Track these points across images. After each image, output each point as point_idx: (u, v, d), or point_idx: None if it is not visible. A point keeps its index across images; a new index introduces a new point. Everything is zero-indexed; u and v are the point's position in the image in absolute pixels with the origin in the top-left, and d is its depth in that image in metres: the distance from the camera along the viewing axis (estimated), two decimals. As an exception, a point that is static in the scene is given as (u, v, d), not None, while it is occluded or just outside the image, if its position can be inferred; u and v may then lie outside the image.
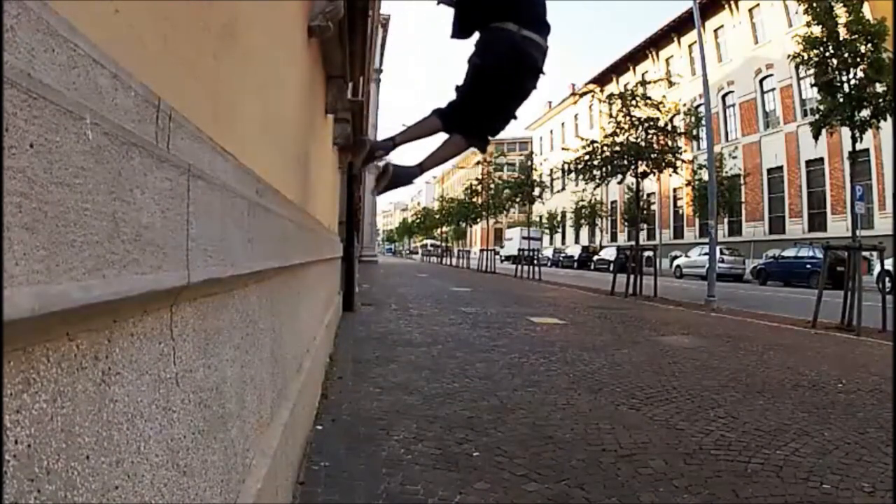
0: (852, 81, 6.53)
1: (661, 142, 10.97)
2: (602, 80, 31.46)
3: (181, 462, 0.80)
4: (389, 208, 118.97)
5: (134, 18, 0.71)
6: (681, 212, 28.15)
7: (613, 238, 32.91)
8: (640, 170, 10.98)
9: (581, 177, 12.94)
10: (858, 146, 6.78)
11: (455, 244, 44.24)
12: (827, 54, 6.66)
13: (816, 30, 6.73)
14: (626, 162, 11.06)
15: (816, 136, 7.13)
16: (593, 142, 11.94)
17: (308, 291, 2.65)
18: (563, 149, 25.44)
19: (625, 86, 13.52)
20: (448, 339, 5.05)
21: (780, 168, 23.02)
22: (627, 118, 10.87)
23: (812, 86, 8.29)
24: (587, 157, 11.98)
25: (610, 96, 11.58)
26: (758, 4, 23.72)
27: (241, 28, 1.24)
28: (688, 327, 6.32)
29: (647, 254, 14.24)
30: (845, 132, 6.95)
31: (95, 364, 0.56)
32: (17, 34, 0.42)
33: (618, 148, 11.10)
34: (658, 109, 10.91)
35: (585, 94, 21.34)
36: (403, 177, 2.46)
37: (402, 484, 1.94)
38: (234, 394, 1.11)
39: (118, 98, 0.60)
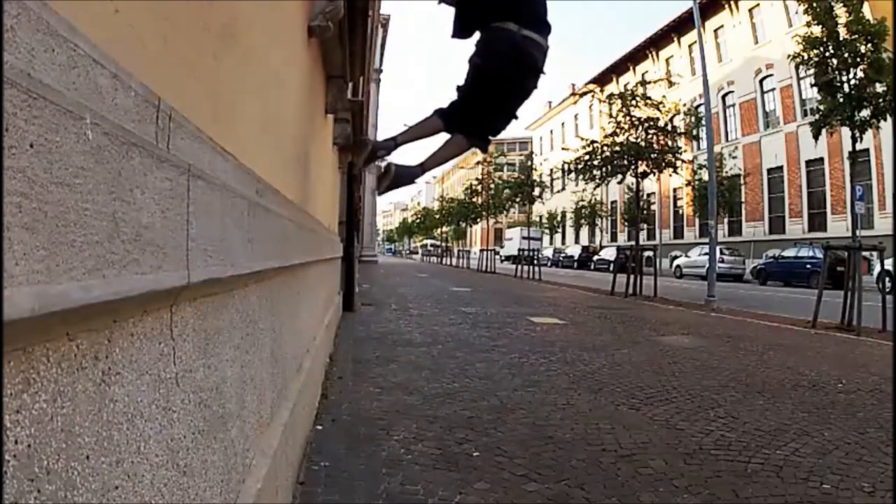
0: (852, 81, 6.53)
1: (661, 142, 10.98)
2: (602, 80, 31.46)
3: (181, 462, 0.80)
4: (389, 208, 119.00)
5: (134, 18, 0.71)
6: (681, 212, 28.15)
7: (613, 238, 32.91)
8: (640, 170, 10.99)
9: (581, 177, 12.94)
10: (858, 146, 6.78)
11: (455, 244, 44.25)
12: (827, 54, 6.66)
13: (816, 30, 6.73)
14: (626, 162, 11.06)
15: (816, 136, 7.13)
16: (593, 142, 11.94)
17: (308, 291, 2.65)
18: (563, 149, 25.44)
19: (625, 86, 13.53)
20: (448, 339, 5.05)
21: (780, 168, 23.02)
22: (627, 118, 10.88)
23: (812, 86, 8.31)
24: (587, 157, 11.98)
25: (610, 96, 11.58)
26: (758, 4, 23.72)
27: (241, 28, 1.24)
28: (688, 327, 6.32)
29: (647, 254, 14.25)
30: (845, 132, 6.95)
31: (95, 364, 0.56)
32: (17, 34, 0.42)
33: (618, 148, 11.11)
34: (658, 109, 10.91)
35: (585, 94, 21.33)
36: (406, 176, 2.46)
37: (402, 484, 1.94)
38: (234, 394, 1.11)
39: (118, 98, 0.60)
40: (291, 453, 1.77)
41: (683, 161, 11.93)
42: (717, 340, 5.37)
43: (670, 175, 12.47)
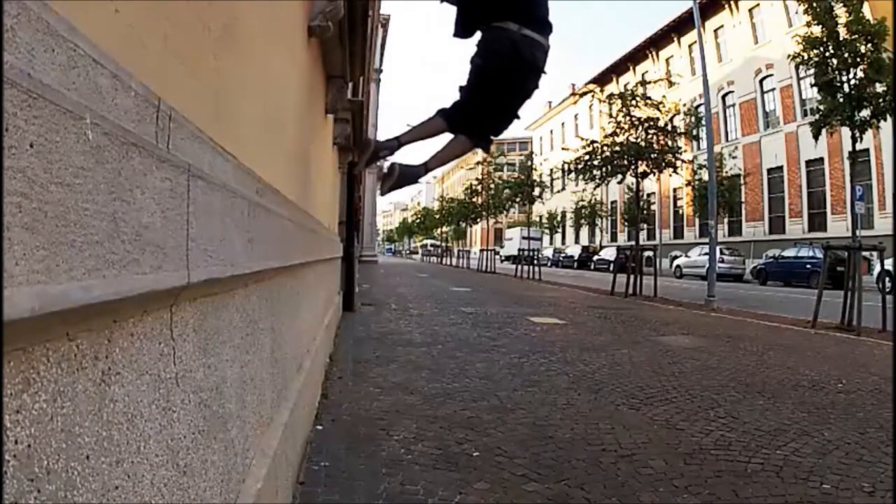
0: (852, 81, 6.53)
1: (661, 142, 10.97)
2: (602, 80, 31.46)
3: (181, 462, 0.80)
4: (389, 208, 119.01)
5: (134, 18, 0.71)
6: (681, 212, 28.15)
7: (613, 238, 32.91)
8: (640, 170, 10.98)
9: (581, 177, 12.93)
10: (858, 146, 6.78)
11: (455, 244, 44.25)
12: (827, 54, 6.66)
13: (816, 30, 6.73)
14: (626, 162, 11.06)
15: (816, 136, 7.13)
16: (593, 142, 11.94)
17: (308, 291, 2.65)
18: (563, 149, 25.43)
19: (625, 86, 13.53)
20: (448, 338, 5.05)
21: (780, 168, 23.01)
22: (627, 118, 10.87)
23: (812, 86, 8.30)
24: (587, 157, 11.98)
25: (610, 96, 11.58)
26: (758, 4, 23.72)
27: (241, 28, 1.24)
28: (688, 327, 6.32)
29: (647, 254, 14.25)
30: (845, 132, 6.95)
31: (95, 364, 0.56)
32: (17, 34, 0.42)
33: (618, 148, 11.10)
34: (658, 109, 10.91)
35: (585, 94, 21.29)
36: (409, 176, 2.47)
37: (402, 484, 1.94)
38: (234, 394, 1.11)
39: (118, 98, 0.60)
40: (291, 453, 1.77)
41: (683, 161, 11.92)
42: (717, 340, 5.37)
43: (670, 175, 12.47)
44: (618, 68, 32.19)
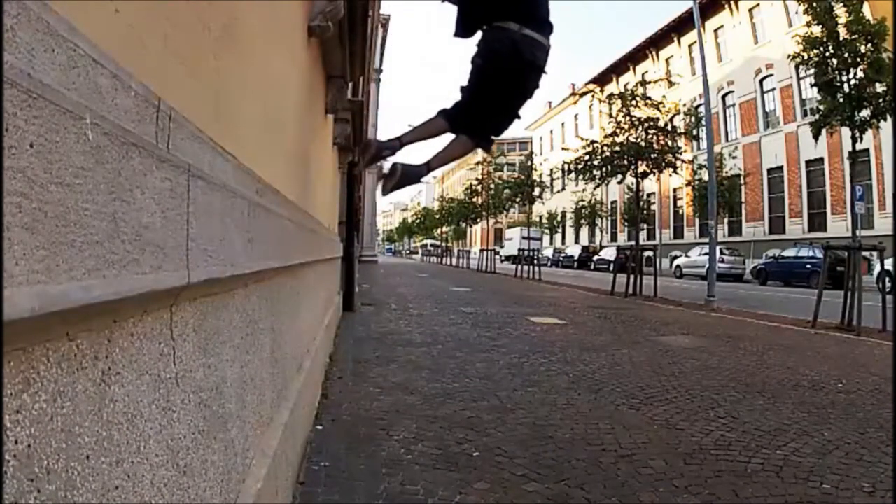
0: (852, 81, 6.53)
1: (661, 142, 10.97)
2: (602, 80, 31.46)
3: (181, 462, 0.80)
4: (389, 208, 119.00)
5: (134, 18, 0.71)
6: (681, 212, 28.15)
7: (613, 238, 32.91)
8: (640, 170, 10.98)
9: (581, 177, 12.93)
10: (858, 146, 6.78)
11: (455, 244, 44.25)
12: (827, 54, 6.66)
13: (816, 30, 6.73)
14: (626, 162, 11.06)
15: (816, 136, 7.13)
16: (593, 142, 11.94)
17: (308, 291, 2.65)
18: (563, 149, 25.43)
19: (625, 86, 13.53)
20: (448, 339, 5.05)
21: (780, 168, 23.01)
22: (627, 118, 10.87)
23: (812, 86, 8.30)
24: (587, 157, 11.98)
25: (610, 96, 11.58)
26: (758, 4, 23.71)
27: (241, 28, 1.24)
28: (688, 327, 6.32)
29: (647, 254, 14.25)
30: (845, 132, 6.95)
31: (95, 364, 0.56)
32: (17, 34, 0.42)
33: (618, 148, 11.11)
34: (658, 109, 10.91)
35: (585, 94, 21.31)
36: (412, 175, 2.47)
37: (402, 484, 1.94)
38: (234, 394, 1.11)
39: (118, 98, 0.60)
40: (291, 453, 1.77)
41: (683, 161, 11.92)
42: (717, 340, 5.37)
43: (670, 175, 12.46)
44: (618, 68, 32.18)
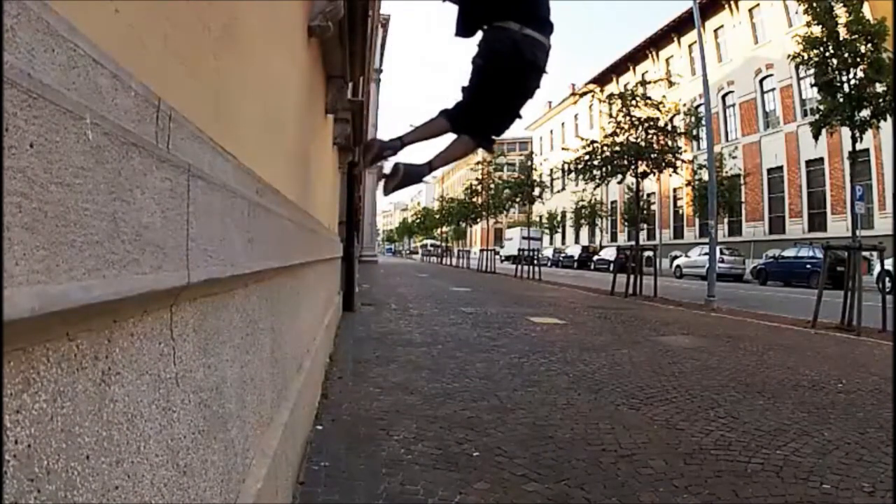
0: (852, 81, 6.53)
1: (661, 142, 10.97)
2: (602, 80, 31.45)
3: (181, 462, 0.80)
4: (389, 208, 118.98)
5: (134, 18, 0.71)
6: (681, 212, 28.15)
7: (613, 238, 32.91)
8: (640, 170, 10.99)
9: (581, 177, 12.93)
10: (858, 146, 6.78)
11: (455, 244, 44.25)
12: (827, 54, 6.66)
13: (816, 30, 6.73)
14: (626, 162, 11.06)
15: (816, 136, 7.13)
16: (593, 142, 11.94)
17: (308, 291, 2.65)
18: (563, 149, 25.43)
19: (625, 86, 13.53)
20: (448, 339, 5.05)
21: (780, 168, 23.01)
22: (627, 118, 10.88)
23: (812, 86, 8.30)
24: (587, 157, 11.98)
25: (610, 96, 11.58)
26: (758, 4, 23.71)
27: (241, 28, 1.24)
28: (688, 327, 6.32)
29: (647, 254, 14.25)
30: (845, 132, 6.95)
31: (95, 364, 0.56)
32: (17, 34, 0.42)
33: (618, 148, 11.11)
34: (658, 109, 10.91)
35: (585, 94, 21.32)
36: (414, 175, 2.47)
37: (402, 484, 1.94)
38: (234, 394, 1.11)
39: (118, 98, 0.60)
40: (291, 453, 1.77)
41: (683, 161, 11.92)
42: (717, 340, 5.37)
43: (670, 175, 12.46)
44: (618, 68, 32.18)
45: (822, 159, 20.48)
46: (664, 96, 11.26)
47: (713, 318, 7.44)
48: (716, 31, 26.12)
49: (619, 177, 11.53)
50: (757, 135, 24.17)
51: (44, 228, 0.43)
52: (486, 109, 2.32)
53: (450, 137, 2.44)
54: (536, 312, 7.38)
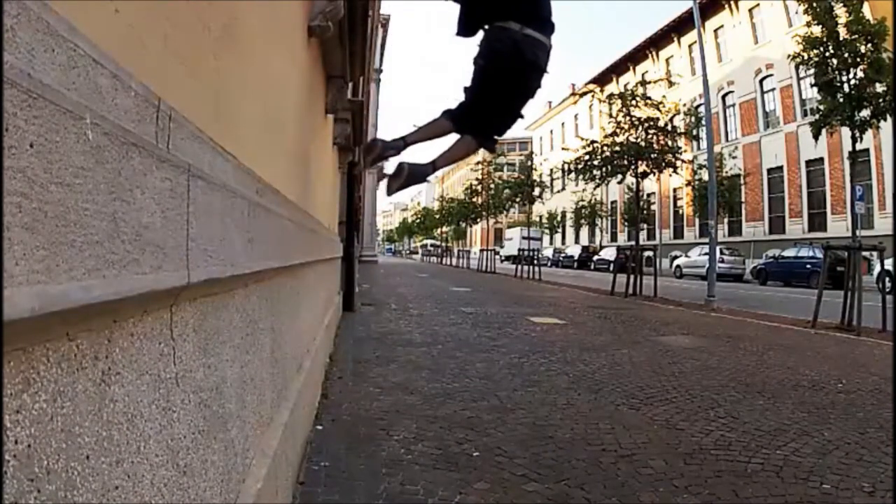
0: (852, 81, 6.53)
1: (661, 142, 10.97)
2: (602, 80, 31.45)
3: (181, 462, 0.80)
4: (389, 208, 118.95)
5: (134, 18, 0.71)
6: (681, 212, 28.14)
7: (613, 238, 32.90)
8: (640, 170, 10.98)
9: (581, 177, 12.93)
10: (858, 146, 6.78)
11: (455, 244, 44.25)
12: (827, 54, 6.66)
13: (816, 30, 6.73)
14: (626, 162, 11.06)
15: (816, 136, 7.13)
16: (593, 142, 11.94)
17: (308, 291, 2.65)
18: (563, 149, 25.43)
19: (625, 86, 13.53)
20: (448, 339, 5.05)
21: (780, 168, 23.01)
22: (627, 118, 10.88)
23: (812, 86, 8.30)
24: (587, 157, 11.98)
25: (610, 96, 11.58)
26: (758, 4, 23.71)
27: (241, 28, 1.24)
28: (688, 327, 6.32)
29: (647, 254, 14.25)
30: (845, 132, 6.95)
31: (95, 364, 0.56)
32: (17, 34, 0.42)
33: (618, 148, 11.11)
34: (658, 109, 10.91)
35: (585, 94, 21.32)
36: (418, 175, 2.48)
37: (402, 484, 1.94)
38: (234, 394, 1.11)
39: (118, 98, 0.60)
40: (291, 453, 1.77)
41: (683, 161, 11.92)
42: (717, 340, 5.37)
43: (670, 175, 12.46)
44: (618, 68, 32.18)
45: (822, 159, 20.48)
46: (664, 96, 11.26)
47: (713, 318, 7.44)
48: (716, 31, 26.12)
49: (619, 177, 11.53)
50: (757, 135, 24.17)
51: (44, 228, 0.43)
52: (487, 109, 2.33)
53: (452, 137, 2.45)
54: (536, 312, 7.38)
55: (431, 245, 47.94)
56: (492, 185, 23.62)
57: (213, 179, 0.88)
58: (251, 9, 1.37)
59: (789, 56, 7.48)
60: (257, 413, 1.34)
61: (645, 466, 2.16)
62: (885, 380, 3.70)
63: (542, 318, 6.76)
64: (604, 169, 11.65)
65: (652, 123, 10.76)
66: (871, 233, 14.77)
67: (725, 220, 24.13)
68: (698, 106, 16.48)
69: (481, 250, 23.31)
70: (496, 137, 2.47)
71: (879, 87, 6.38)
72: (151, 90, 0.69)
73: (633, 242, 12.97)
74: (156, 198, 0.65)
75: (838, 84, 6.63)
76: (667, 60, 28.90)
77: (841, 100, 6.56)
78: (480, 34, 2.28)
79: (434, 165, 2.48)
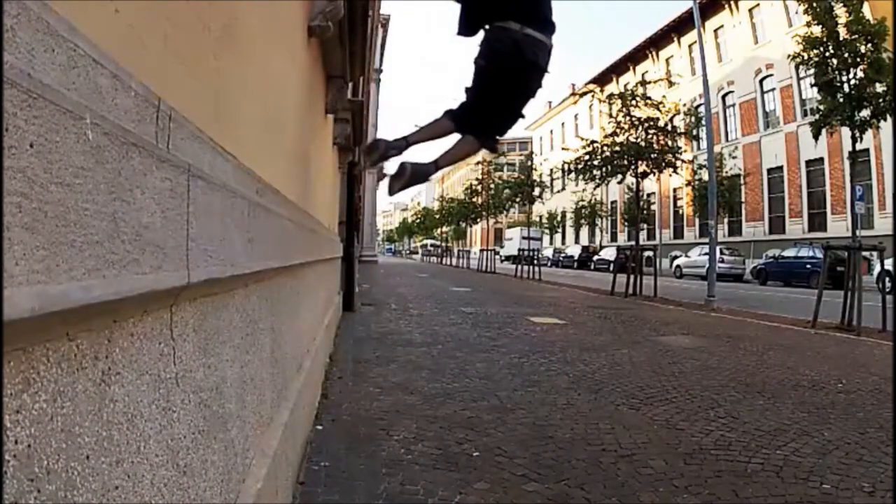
0: (852, 81, 6.53)
1: (661, 142, 10.98)
2: (602, 80, 31.45)
3: (181, 462, 0.80)
4: (389, 208, 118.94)
5: (134, 18, 0.71)
6: (681, 212, 28.14)
7: (613, 238, 32.90)
8: (640, 170, 10.99)
9: (581, 177, 12.94)
10: (858, 146, 6.78)
11: (455, 244, 44.25)
12: (827, 54, 6.66)
13: (816, 30, 6.73)
14: (626, 162, 11.06)
15: (816, 136, 7.13)
16: (593, 142, 11.94)
17: (308, 291, 2.65)
18: (563, 149, 25.42)
19: (625, 86, 13.53)
20: (448, 339, 5.05)
21: (780, 168, 23.01)
22: (627, 118, 10.88)
23: (812, 86, 8.30)
24: (587, 157, 11.98)
25: (610, 96, 11.59)
26: (758, 4, 23.71)
27: (241, 28, 1.24)
28: (688, 327, 6.32)
29: (647, 254, 14.25)
30: (845, 132, 6.95)
31: (95, 364, 0.56)
32: (17, 34, 0.42)
33: (618, 148, 11.11)
34: (658, 109, 10.91)
35: (585, 94, 21.30)
36: (420, 174, 2.48)
37: (402, 484, 1.94)
38: (234, 394, 1.11)
39: (118, 98, 0.60)
40: (291, 453, 1.77)
41: (683, 161, 11.92)
42: (717, 340, 5.37)
43: (670, 175, 12.46)
44: (618, 68, 32.17)
45: (822, 159, 20.48)
46: (664, 96, 11.26)
47: (713, 318, 7.44)
48: (716, 31, 26.12)
49: (619, 177, 11.53)
50: (757, 135, 24.17)
51: (44, 228, 0.43)
52: (488, 109, 2.33)
53: (454, 137, 2.45)
54: (536, 312, 7.37)
55: (431, 245, 47.93)
56: (492, 185, 23.62)
57: (213, 179, 0.88)
58: (251, 9, 1.37)
59: (789, 56, 7.48)
60: (257, 413, 1.34)
61: (645, 466, 2.16)
62: (885, 380, 3.70)
63: (542, 318, 6.76)
64: (604, 169, 11.65)
65: (652, 123, 10.76)
66: (871, 233, 14.77)
67: (725, 220, 24.12)
68: (698, 106, 16.48)
69: (481, 250, 23.30)
70: (497, 137, 2.48)
71: (879, 87, 6.38)
72: (151, 90, 0.69)
73: (633, 242, 12.97)
74: (156, 198, 0.65)
75: (838, 84, 6.63)
76: (667, 60, 28.90)
77: (841, 100, 6.56)
78: (481, 34, 2.28)
79: (436, 165, 2.48)
